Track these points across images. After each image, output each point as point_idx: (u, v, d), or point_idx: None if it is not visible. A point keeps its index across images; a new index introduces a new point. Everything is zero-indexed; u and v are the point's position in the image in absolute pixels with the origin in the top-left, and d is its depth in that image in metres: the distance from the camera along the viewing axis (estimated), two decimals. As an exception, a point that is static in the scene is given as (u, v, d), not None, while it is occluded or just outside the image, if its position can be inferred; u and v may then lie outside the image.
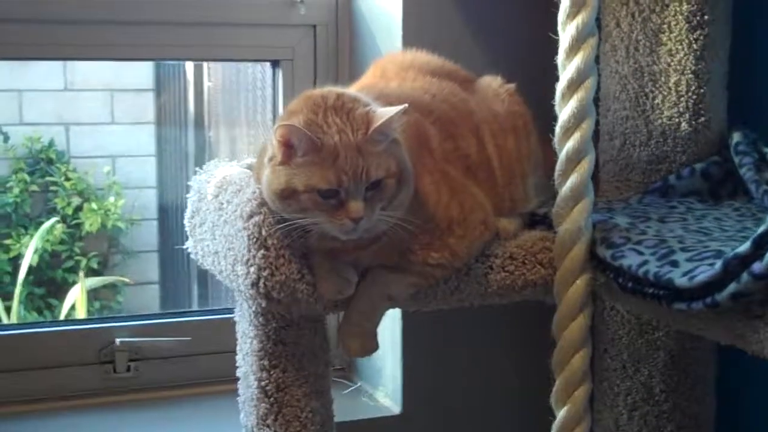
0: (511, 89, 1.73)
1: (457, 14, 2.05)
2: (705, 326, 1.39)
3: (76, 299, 3.75)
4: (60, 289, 4.39)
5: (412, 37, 1.97)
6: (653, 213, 1.68)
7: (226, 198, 1.54)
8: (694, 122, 1.82)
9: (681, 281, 1.35)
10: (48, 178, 4.56)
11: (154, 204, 4.89)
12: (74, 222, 4.51)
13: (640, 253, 1.46)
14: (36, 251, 4.26)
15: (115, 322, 2.11)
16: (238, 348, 1.61)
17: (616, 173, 1.89)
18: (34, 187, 4.53)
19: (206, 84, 4.13)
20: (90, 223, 4.50)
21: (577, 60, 1.51)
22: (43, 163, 4.60)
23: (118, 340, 2.06)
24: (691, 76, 1.81)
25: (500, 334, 2.12)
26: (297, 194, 1.36)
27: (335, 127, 1.35)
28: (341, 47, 2.17)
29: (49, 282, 4.45)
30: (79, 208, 4.54)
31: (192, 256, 1.71)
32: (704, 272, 1.31)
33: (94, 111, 4.64)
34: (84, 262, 4.49)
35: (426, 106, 1.57)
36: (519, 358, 2.13)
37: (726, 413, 1.94)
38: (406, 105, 1.36)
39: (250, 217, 1.43)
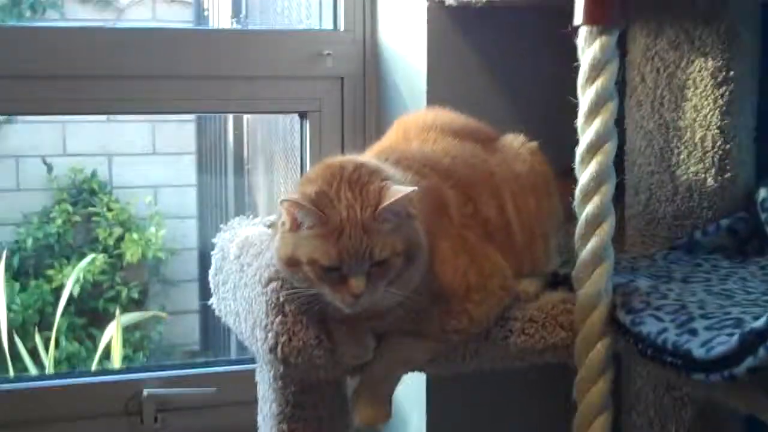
0: (533, 147, 1.71)
1: (481, 68, 2.05)
2: (725, 396, 1.38)
3: (112, 336, 3.76)
4: (101, 319, 4.42)
5: (436, 90, 1.99)
6: (677, 272, 1.66)
7: (247, 260, 1.55)
8: (720, 178, 1.80)
9: (699, 353, 1.33)
10: (90, 209, 4.61)
11: (195, 233, 4.92)
12: (116, 252, 4.55)
13: (660, 320, 1.45)
14: (77, 281, 4.29)
15: (143, 372, 2.12)
16: (258, 408, 1.61)
17: (642, 228, 1.88)
18: (77, 218, 4.57)
19: (245, 117, 4.17)
20: (131, 253, 4.54)
21: (597, 124, 1.50)
22: (85, 193, 4.65)
23: (145, 392, 2.08)
24: (716, 131, 1.79)
25: (526, 393, 2.09)
26: (301, 265, 1.37)
27: (345, 201, 1.35)
28: (368, 99, 2.18)
29: (90, 312, 4.49)
30: (120, 239, 4.58)
31: (216, 312, 1.73)
32: (722, 344, 1.30)
33: (136, 142, 4.69)
34: (125, 292, 4.53)
35: (446, 169, 1.56)
36: (545, 418, 2.05)
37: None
38: (416, 188, 1.36)
39: (269, 282, 1.44)
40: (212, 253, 1.75)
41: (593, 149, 1.52)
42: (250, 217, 1.78)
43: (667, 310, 1.47)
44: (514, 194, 1.62)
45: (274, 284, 1.44)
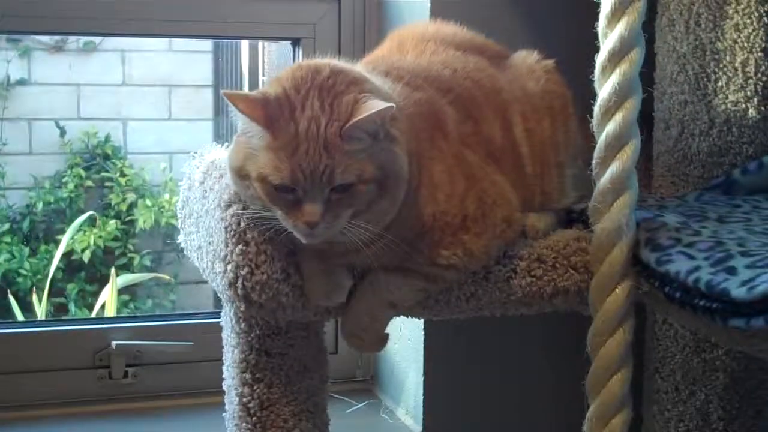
0: (549, 66, 1.55)
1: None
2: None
3: (106, 298, 3.65)
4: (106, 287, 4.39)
5: (441, 11, 1.81)
6: (712, 212, 1.49)
7: (209, 184, 1.36)
8: (763, 108, 1.65)
9: (738, 292, 1.15)
10: (103, 174, 4.58)
11: (210, 201, 4.85)
12: (128, 218, 4.51)
13: (691, 258, 1.27)
14: (88, 247, 4.28)
15: (113, 323, 1.96)
16: (223, 357, 1.42)
17: (671, 166, 1.73)
18: (89, 183, 4.54)
19: (261, 78, 4.13)
20: (144, 219, 4.48)
21: (621, 27, 1.33)
22: (99, 158, 4.62)
23: (114, 343, 1.92)
24: (760, 54, 1.63)
25: (533, 346, 1.97)
26: (251, 179, 1.18)
27: (309, 112, 1.15)
28: (368, 24, 2.01)
29: (102, 279, 4.44)
30: (133, 205, 4.54)
31: (185, 252, 1.55)
32: (767, 282, 1.10)
33: (151, 106, 4.67)
34: (137, 259, 4.48)
35: (445, 82, 1.39)
36: (552, 375, 1.98)
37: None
38: (393, 105, 1.16)
39: (228, 206, 1.26)
40: (179, 184, 1.56)
41: (616, 57, 1.34)
42: (224, 144, 1.58)
43: (701, 247, 1.30)
44: (524, 115, 1.46)
45: (234, 207, 1.25)
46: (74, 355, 1.93)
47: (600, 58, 1.35)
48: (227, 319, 1.39)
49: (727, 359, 1.66)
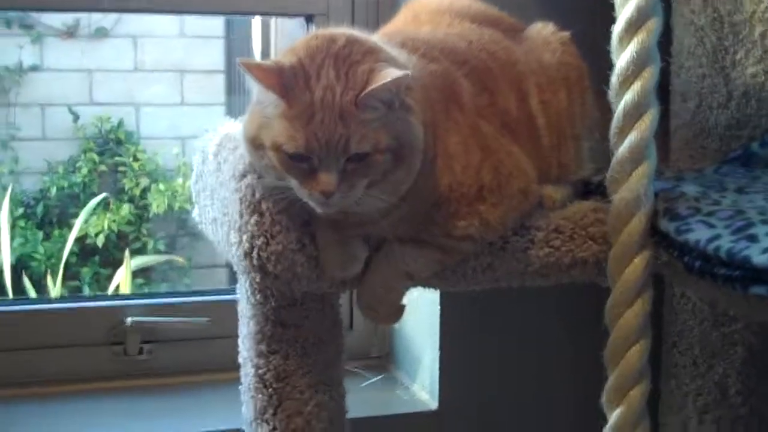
0: (565, 38, 1.53)
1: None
2: (790, 316, 1.18)
3: (120, 280, 3.66)
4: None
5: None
6: (731, 183, 1.48)
7: (224, 156, 1.35)
8: (782, 80, 1.63)
9: (760, 259, 1.14)
10: (116, 159, 4.60)
11: (223, 186, 4.86)
12: (142, 203, 4.54)
13: (711, 226, 1.26)
14: (102, 231, 4.31)
15: (128, 299, 1.95)
16: (238, 329, 1.42)
17: (689, 140, 1.73)
18: (103, 168, 4.57)
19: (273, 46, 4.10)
20: (157, 204, 4.51)
21: (638, -5, 1.33)
22: (112, 143, 4.64)
23: (129, 320, 1.92)
24: (779, 26, 1.63)
25: (548, 320, 1.95)
26: (265, 149, 1.17)
27: (325, 81, 1.14)
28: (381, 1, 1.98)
29: (116, 263, 4.48)
30: (146, 189, 4.57)
31: (199, 226, 1.54)
32: (789, 248, 1.09)
33: (164, 92, 4.69)
34: (151, 243, 4.51)
35: (460, 54, 1.38)
36: (570, 348, 1.96)
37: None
38: (408, 73, 1.14)
39: (243, 176, 1.25)
40: (193, 158, 1.55)
41: (633, 26, 1.32)
42: (237, 119, 1.57)
43: (721, 216, 1.29)
44: (540, 87, 1.45)
45: (249, 178, 1.24)
46: (89, 332, 1.92)
47: (617, 28, 1.33)
48: (243, 291, 1.38)
49: (746, 333, 1.67)
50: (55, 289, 3.91)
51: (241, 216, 1.23)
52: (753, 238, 1.19)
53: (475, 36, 1.43)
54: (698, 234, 1.25)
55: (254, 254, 1.22)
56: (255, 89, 1.18)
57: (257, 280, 1.25)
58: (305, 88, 1.14)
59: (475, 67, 1.36)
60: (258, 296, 1.32)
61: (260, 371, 1.33)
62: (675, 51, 1.74)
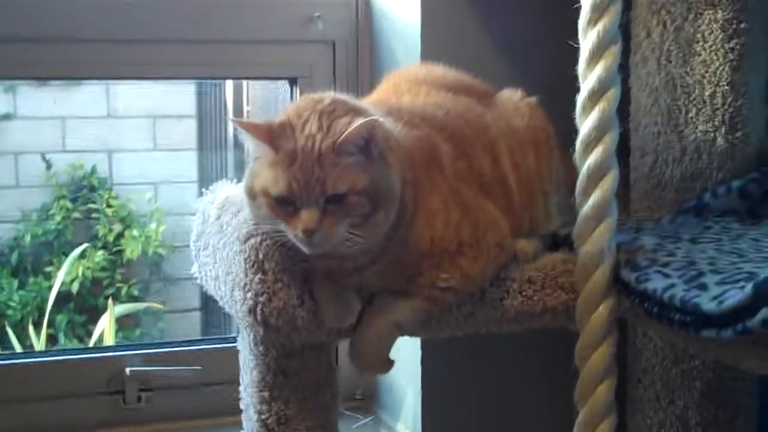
0: (533, 103, 1.64)
1: (476, 27, 1.98)
2: (737, 355, 1.29)
3: (105, 327, 3.69)
4: (101, 317, 4.37)
5: (431, 52, 1.91)
6: (685, 233, 1.58)
7: (226, 219, 1.46)
8: (730, 137, 1.72)
9: (709, 306, 1.24)
10: (90, 205, 4.57)
11: (196, 230, 4.85)
12: (116, 249, 4.51)
13: (667, 276, 1.36)
14: (77, 278, 4.27)
15: (126, 350, 2.04)
16: (240, 378, 1.52)
17: (648, 191, 1.80)
18: (76, 215, 4.54)
19: (245, 108, 4.12)
20: (131, 249, 4.50)
21: (599, 69, 1.42)
22: (85, 190, 4.62)
23: (128, 369, 2.00)
24: (726, 87, 1.71)
25: (525, 362, 2.03)
26: (257, 196, 1.29)
27: (308, 132, 1.27)
28: (361, 63, 2.10)
29: (90, 309, 4.45)
30: (120, 235, 4.54)
31: (198, 281, 1.64)
32: (734, 296, 1.21)
33: (136, 137, 4.66)
34: (125, 289, 4.48)
35: (439, 122, 1.49)
36: (543, 388, 2.04)
37: (770, 448, 1.83)
38: (377, 118, 1.28)
39: (247, 239, 1.35)
40: (193, 218, 1.66)
41: (595, 96, 1.43)
42: (234, 181, 1.68)
43: (675, 267, 1.39)
44: (511, 149, 1.55)
45: (253, 240, 1.35)
46: (90, 382, 1.99)
47: (580, 98, 1.43)
48: (245, 343, 1.48)
49: (703, 369, 1.72)
50: (38, 338, 3.90)
51: (246, 275, 1.34)
52: (703, 287, 1.28)
53: (451, 104, 1.53)
54: (655, 283, 1.35)
55: (258, 310, 1.33)
56: (250, 145, 1.31)
57: (261, 333, 1.36)
58: (291, 138, 1.27)
59: (453, 133, 1.47)
60: (260, 347, 1.42)
61: (263, 416, 1.42)
62: (633, 110, 1.80)
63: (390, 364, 1.42)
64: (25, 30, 1.95)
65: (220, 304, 1.51)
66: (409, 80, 1.60)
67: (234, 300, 1.38)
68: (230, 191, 1.56)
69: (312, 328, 1.35)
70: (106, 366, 2.02)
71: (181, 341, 3.57)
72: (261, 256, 1.33)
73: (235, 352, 1.59)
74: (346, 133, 1.25)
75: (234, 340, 1.98)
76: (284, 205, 1.27)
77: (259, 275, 1.33)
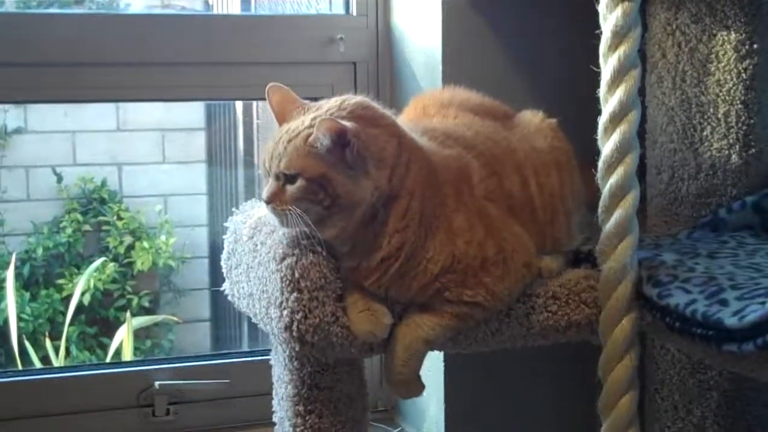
0: (553, 124, 1.68)
1: (497, 49, 2.02)
2: (758, 368, 1.33)
3: (122, 339, 3.73)
4: (112, 328, 4.39)
5: (452, 73, 1.96)
6: (702, 248, 1.63)
7: (260, 239, 1.51)
8: (744, 154, 1.77)
9: (730, 321, 1.29)
10: (100, 218, 4.60)
11: (205, 242, 4.90)
12: (126, 261, 4.54)
13: (688, 292, 1.41)
14: (88, 290, 4.29)
15: (154, 364, 2.09)
16: (274, 392, 1.57)
17: (664, 208, 1.84)
18: (87, 227, 4.56)
19: (255, 122, 4.17)
20: (141, 261, 4.53)
21: (620, 93, 1.47)
22: (95, 202, 4.64)
23: (157, 383, 2.05)
24: (740, 106, 1.76)
25: (547, 374, 2.07)
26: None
27: (303, 118, 1.40)
28: (381, 84, 2.15)
29: (101, 321, 4.47)
30: (130, 247, 4.57)
31: (229, 298, 1.69)
32: (755, 312, 1.26)
33: (146, 151, 4.69)
34: (135, 300, 4.51)
35: (470, 141, 1.54)
36: (567, 400, 2.08)
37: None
38: (348, 125, 1.35)
39: (283, 259, 1.40)
40: (224, 237, 1.71)
41: (617, 119, 1.48)
42: (263, 200, 1.73)
43: (696, 282, 1.44)
44: (536, 170, 1.59)
45: (289, 260, 1.40)
46: (120, 396, 2.04)
47: (602, 120, 1.48)
48: (279, 358, 1.53)
49: (721, 379, 1.76)
50: (53, 350, 3.93)
51: (282, 293, 1.39)
52: (724, 303, 1.33)
53: (479, 126, 1.59)
54: (677, 299, 1.40)
55: (294, 327, 1.38)
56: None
57: (296, 349, 1.41)
58: (292, 120, 1.40)
59: (482, 153, 1.52)
60: (295, 363, 1.47)
61: (298, 429, 1.47)
62: (649, 128, 1.84)
63: (422, 386, 1.48)
64: (31, 54, 2.00)
65: (254, 320, 1.56)
66: (436, 103, 1.65)
67: (270, 317, 1.43)
68: (262, 211, 1.60)
69: (345, 343, 1.40)
70: (134, 380, 2.07)
71: (208, 354, 3.61)
72: (297, 275, 1.38)
73: (262, 365, 1.63)
74: (316, 127, 1.35)
75: (261, 353, 2.05)
76: (266, 175, 1.40)
77: (295, 294, 1.38)
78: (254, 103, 3.98)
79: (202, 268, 4.89)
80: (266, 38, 2.10)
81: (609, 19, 1.47)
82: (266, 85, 2.11)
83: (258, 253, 1.50)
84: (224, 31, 2.10)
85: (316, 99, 2.11)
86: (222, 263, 1.71)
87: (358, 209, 1.37)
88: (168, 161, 4.73)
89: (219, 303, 4.67)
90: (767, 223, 1.75)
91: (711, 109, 1.78)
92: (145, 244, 4.56)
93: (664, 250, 1.61)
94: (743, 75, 1.75)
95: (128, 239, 4.57)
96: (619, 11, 1.46)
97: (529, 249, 1.49)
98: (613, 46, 1.47)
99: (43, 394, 2.03)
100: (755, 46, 1.75)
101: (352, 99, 1.42)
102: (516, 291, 1.48)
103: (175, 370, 2.09)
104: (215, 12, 4.15)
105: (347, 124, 1.34)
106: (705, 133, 1.79)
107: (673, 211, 1.83)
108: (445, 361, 2.00)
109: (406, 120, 1.60)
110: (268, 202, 1.38)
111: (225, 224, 1.72)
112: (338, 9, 2.22)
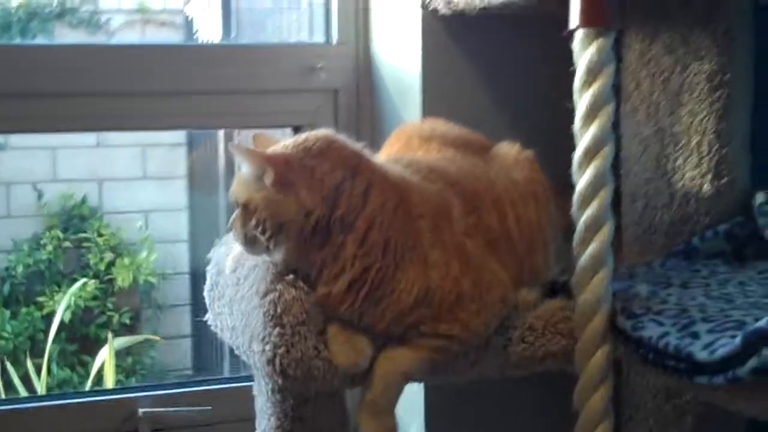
0: (530, 156, 1.71)
1: (477, 77, 2.04)
2: (728, 399, 1.36)
3: (104, 360, 3.74)
4: (92, 346, 4.42)
5: (432, 102, 1.98)
6: (675, 278, 1.65)
7: (243, 273, 1.53)
8: (716, 183, 1.78)
9: (701, 355, 1.32)
10: (81, 235, 4.62)
11: (186, 258, 4.92)
12: (107, 278, 4.56)
13: (661, 324, 1.44)
14: (68, 307, 4.31)
15: (138, 392, 2.10)
16: (257, 423, 1.59)
17: (638, 236, 1.87)
18: (68, 244, 4.59)
19: (236, 138, 4.18)
20: (122, 278, 4.56)
21: (594, 128, 1.49)
22: (76, 219, 4.67)
23: (140, 411, 2.06)
24: (712, 136, 1.77)
25: (526, 402, 2.07)
26: None
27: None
28: (362, 112, 2.17)
29: (81, 338, 4.50)
30: (111, 264, 4.60)
31: (212, 329, 1.71)
32: (724, 346, 1.29)
33: (126, 166, 4.72)
34: (116, 317, 4.54)
35: (453, 177, 1.56)
36: (546, 425, 2.02)
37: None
38: (262, 153, 1.45)
39: (266, 294, 1.43)
40: (207, 268, 1.73)
41: (590, 154, 1.51)
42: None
43: (668, 315, 1.46)
44: (514, 202, 1.61)
45: (271, 296, 1.42)
46: (104, 424, 2.05)
47: (576, 155, 1.50)
48: (261, 390, 1.56)
49: (695, 404, 1.77)
50: (34, 369, 3.93)
51: (264, 328, 1.41)
52: (696, 335, 1.36)
53: (460, 161, 1.61)
54: (650, 331, 1.43)
55: (277, 361, 1.39)
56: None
57: (279, 382, 1.43)
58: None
59: (465, 189, 1.54)
60: (278, 396, 1.50)
61: (281, 461, 1.51)
62: (624, 158, 1.87)
63: (394, 425, 1.48)
64: (11, 85, 2.01)
65: (237, 353, 1.58)
66: (417, 135, 1.68)
67: (252, 351, 1.45)
68: (243, 244, 1.63)
69: (327, 376, 1.42)
70: (118, 408, 2.07)
71: (191, 381, 3.62)
72: (279, 310, 1.41)
73: (244, 391, 1.65)
74: (250, 158, 1.44)
75: (244, 379, 2.07)
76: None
77: (278, 329, 1.40)
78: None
79: (183, 284, 4.91)
80: (247, 67, 2.12)
81: (583, 55, 1.49)
82: (247, 114, 2.17)
83: (240, 287, 1.53)
84: (205, 61, 2.12)
85: (297, 127, 2.19)
86: (205, 294, 1.73)
87: (290, 229, 1.43)
88: (148, 177, 4.77)
89: (200, 319, 4.67)
90: (739, 251, 1.78)
91: (684, 139, 1.79)
92: (126, 261, 4.59)
93: (638, 281, 1.63)
94: (715, 105, 1.77)
95: (109, 256, 4.59)
96: (593, 48, 1.48)
97: (506, 284, 1.52)
98: (587, 83, 1.49)
99: (27, 422, 2.04)
100: (727, 76, 1.77)
101: (314, 133, 1.48)
102: (492, 325, 1.50)
103: (158, 398, 2.10)
104: (195, 30, 4.18)
105: (261, 153, 1.44)
106: (678, 163, 1.80)
107: (648, 239, 1.85)
108: (426, 384, 2.00)
109: (391, 152, 1.64)
110: (228, 230, 1.50)
111: (208, 256, 1.74)
112: (319, 38, 2.24)
